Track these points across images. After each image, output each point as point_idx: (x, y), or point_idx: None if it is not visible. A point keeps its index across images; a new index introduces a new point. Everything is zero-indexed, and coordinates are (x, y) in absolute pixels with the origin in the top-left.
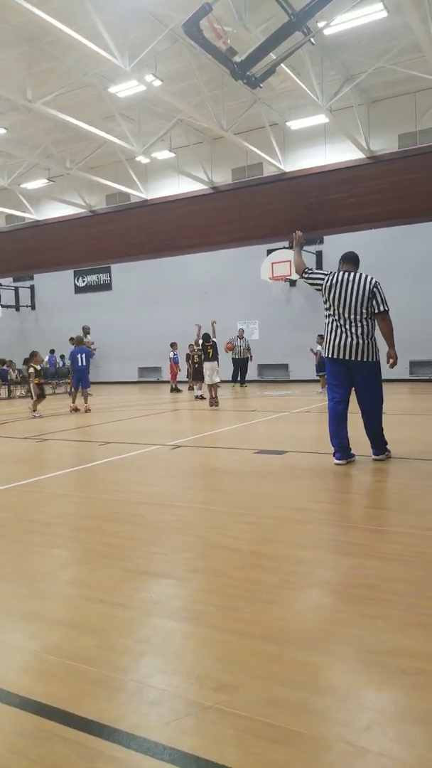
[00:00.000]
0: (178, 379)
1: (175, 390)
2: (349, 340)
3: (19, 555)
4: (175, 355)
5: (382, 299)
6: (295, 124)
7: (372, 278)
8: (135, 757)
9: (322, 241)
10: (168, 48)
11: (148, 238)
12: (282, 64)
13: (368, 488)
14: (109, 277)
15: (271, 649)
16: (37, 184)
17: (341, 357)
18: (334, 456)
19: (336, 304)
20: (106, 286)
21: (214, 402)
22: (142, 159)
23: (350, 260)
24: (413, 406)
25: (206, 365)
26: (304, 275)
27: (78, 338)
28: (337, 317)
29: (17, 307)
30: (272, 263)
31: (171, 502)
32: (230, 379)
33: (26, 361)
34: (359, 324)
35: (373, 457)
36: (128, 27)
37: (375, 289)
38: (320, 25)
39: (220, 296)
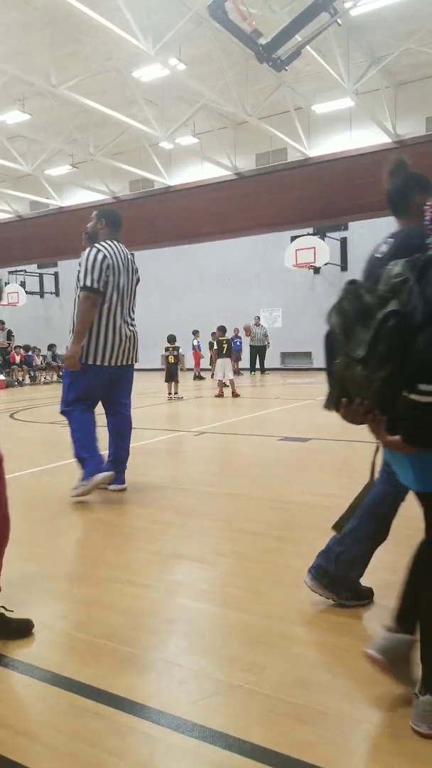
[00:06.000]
0: (201, 367)
1: (198, 377)
2: (127, 337)
3: (47, 536)
4: (197, 342)
5: None
6: (320, 108)
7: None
8: (165, 733)
9: (346, 228)
10: (192, 31)
11: (172, 224)
12: (307, 46)
13: None
14: None
15: (297, 631)
16: (61, 170)
17: (114, 363)
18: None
19: (115, 285)
20: None
21: (235, 395)
22: (166, 145)
23: (114, 221)
24: None
25: (219, 362)
26: (94, 291)
27: None
28: (113, 305)
29: (41, 293)
30: (296, 250)
31: (196, 487)
32: (248, 367)
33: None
34: (132, 313)
35: (120, 486)
36: (152, 9)
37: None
38: (347, 5)
39: (244, 283)
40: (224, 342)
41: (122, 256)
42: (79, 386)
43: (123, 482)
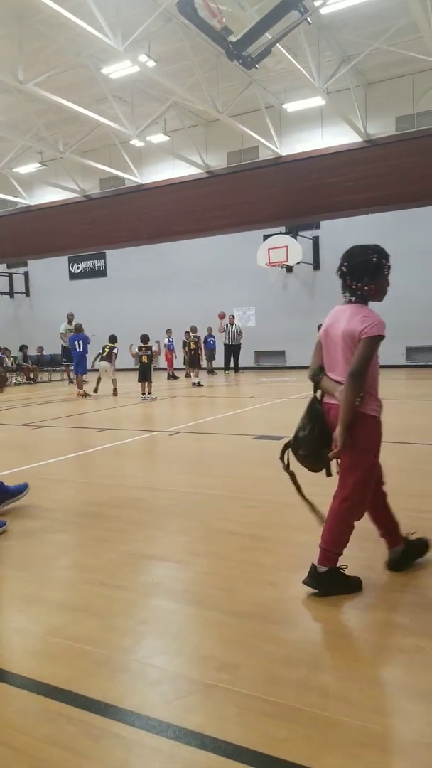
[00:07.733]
0: (174, 366)
1: (171, 377)
2: None
3: (19, 540)
4: (169, 341)
5: None
6: (291, 107)
7: None
8: (139, 734)
9: (318, 227)
10: (161, 28)
11: (143, 223)
12: (278, 45)
13: None
14: (104, 263)
15: (270, 628)
16: (30, 168)
17: None
18: None
19: None
20: (101, 273)
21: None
22: (137, 142)
23: None
24: (409, 392)
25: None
26: None
27: (77, 326)
28: None
29: (11, 293)
30: (268, 249)
31: (170, 487)
32: (223, 365)
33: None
34: None
35: None
36: (120, 5)
37: None
38: (317, 3)
39: (217, 283)
40: (107, 347)
41: None
42: None
43: None
